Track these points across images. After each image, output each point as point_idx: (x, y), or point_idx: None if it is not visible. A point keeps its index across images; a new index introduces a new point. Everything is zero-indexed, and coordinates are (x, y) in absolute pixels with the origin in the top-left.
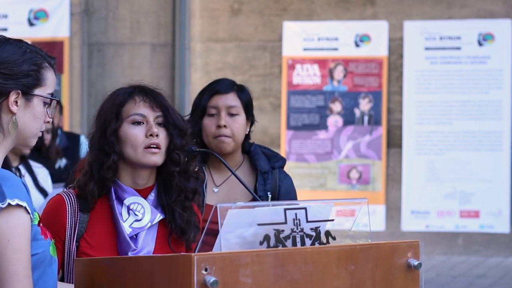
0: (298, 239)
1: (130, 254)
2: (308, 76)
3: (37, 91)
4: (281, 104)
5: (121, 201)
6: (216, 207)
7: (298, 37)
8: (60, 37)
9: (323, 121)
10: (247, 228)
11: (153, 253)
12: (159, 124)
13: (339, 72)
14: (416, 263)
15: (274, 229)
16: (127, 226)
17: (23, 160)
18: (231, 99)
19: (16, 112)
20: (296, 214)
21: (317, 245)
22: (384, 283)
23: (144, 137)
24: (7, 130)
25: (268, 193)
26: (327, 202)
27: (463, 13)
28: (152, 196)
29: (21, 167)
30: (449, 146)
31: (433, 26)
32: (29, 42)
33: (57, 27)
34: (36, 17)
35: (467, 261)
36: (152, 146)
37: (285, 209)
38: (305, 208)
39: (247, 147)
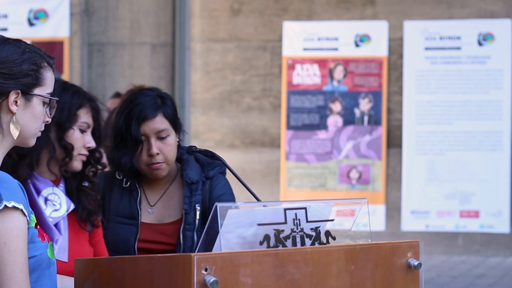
0: (298, 239)
1: (56, 241)
2: (308, 76)
3: (36, 91)
4: (281, 104)
5: (38, 192)
6: (216, 207)
7: (298, 37)
8: (60, 37)
9: (323, 121)
10: (247, 228)
11: (68, 238)
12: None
13: (339, 72)
14: (416, 263)
15: (274, 229)
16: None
17: None
18: (159, 122)
19: (16, 112)
20: (296, 214)
21: (317, 245)
22: (384, 283)
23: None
24: (7, 130)
25: (197, 205)
26: (327, 202)
27: (463, 13)
28: (62, 184)
29: None
30: (449, 146)
31: (433, 26)
32: (29, 42)
33: (57, 27)
34: (36, 17)
35: (467, 261)
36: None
37: (285, 209)
38: (305, 208)
39: (179, 156)
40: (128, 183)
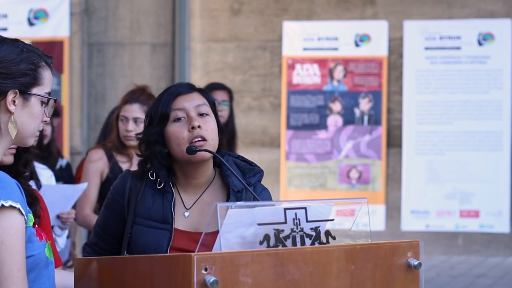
0: (298, 239)
1: None
2: (308, 76)
3: (34, 90)
4: (281, 104)
5: None
6: (216, 207)
7: (298, 37)
8: (60, 37)
9: (323, 121)
10: (247, 228)
11: None
12: None
13: (339, 72)
14: (416, 263)
15: (274, 229)
16: None
17: None
18: (197, 98)
19: (14, 112)
20: (296, 214)
21: (317, 245)
22: (384, 283)
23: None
24: (5, 130)
25: None
26: (327, 202)
27: (463, 13)
28: None
29: None
30: (449, 146)
31: (433, 26)
32: (29, 42)
33: (57, 27)
34: (36, 17)
35: (467, 261)
36: None
37: (285, 209)
38: (305, 208)
39: (218, 159)
40: (162, 184)
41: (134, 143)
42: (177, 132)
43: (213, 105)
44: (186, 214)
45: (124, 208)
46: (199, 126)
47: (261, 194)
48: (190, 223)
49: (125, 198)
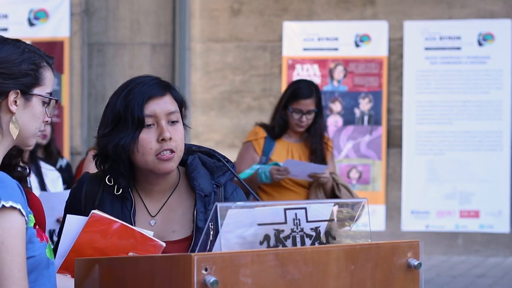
0: (298, 239)
1: None
2: (308, 76)
3: (36, 91)
4: None
5: None
6: (216, 207)
7: (298, 37)
8: (60, 37)
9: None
10: (247, 228)
11: None
12: None
13: (339, 72)
14: (416, 263)
15: (274, 229)
16: None
17: (33, 160)
18: (169, 103)
19: (16, 112)
20: (296, 214)
21: (317, 245)
22: (384, 283)
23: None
24: (7, 130)
25: (211, 224)
26: (327, 202)
27: (463, 13)
28: None
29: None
30: (449, 146)
31: (433, 26)
32: (29, 42)
33: (57, 27)
34: (36, 17)
35: (467, 261)
36: None
37: (285, 209)
38: (305, 208)
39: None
40: (121, 190)
41: None
42: (145, 141)
43: (182, 106)
44: (152, 222)
45: (82, 214)
46: (170, 138)
47: (232, 196)
48: (157, 232)
49: (82, 204)
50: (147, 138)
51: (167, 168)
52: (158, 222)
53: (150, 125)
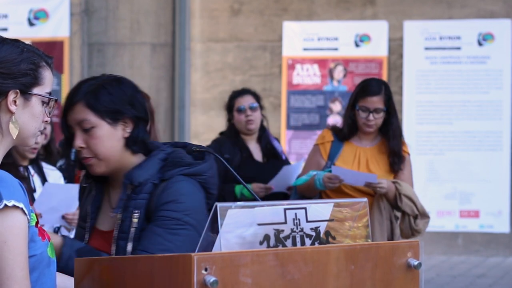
0: (298, 239)
1: None
2: (308, 76)
3: (35, 90)
4: (281, 104)
5: None
6: (216, 207)
7: (298, 37)
8: (60, 37)
9: (323, 121)
10: (247, 228)
11: None
12: None
13: (339, 72)
14: (416, 263)
15: (274, 229)
16: None
17: (35, 160)
18: (77, 112)
19: (15, 112)
20: (296, 214)
21: (317, 245)
22: (384, 283)
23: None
24: (6, 130)
25: (135, 211)
26: (327, 202)
27: (463, 13)
28: None
29: (30, 167)
30: (449, 146)
31: (433, 26)
32: (29, 42)
33: (57, 27)
34: (36, 17)
35: (467, 261)
36: None
37: (285, 209)
38: (305, 208)
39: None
40: (87, 182)
41: None
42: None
43: (101, 110)
44: (112, 214)
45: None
46: (81, 147)
47: (167, 191)
48: (104, 222)
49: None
50: (76, 145)
51: (92, 172)
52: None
53: (73, 134)
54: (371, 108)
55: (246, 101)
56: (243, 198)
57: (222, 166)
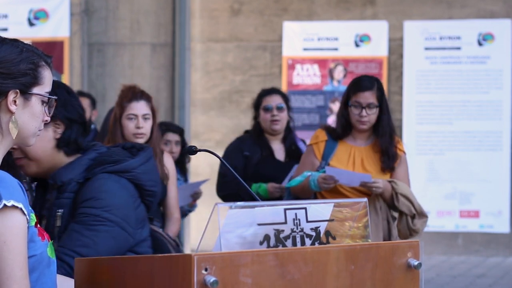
0: (298, 239)
1: None
2: (308, 76)
3: (35, 90)
4: None
5: None
6: (216, 207)
7: (298, 37)
8: (60, 37)
9: (323, 121)
10: (247, 228)
11: None
12: None
13: (339, 72)
14: (416, 263)
15: (274, 229)
16: None
17: None
18: None
19: (15, 112)
20: (296, 214)
21: (317, 245)
22: (384, 283)
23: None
24: (6, 130)
25: (59, 210)
26: (327, 202)
27: (463, 13)
28: None
29: None
30: (449, 146)
31: (433, 26)
32: (30, 42)
33: (57, 27)
34: (36, 17)
35: (467, 261)
36: None
37: (285, 209)
38: (305, 208)
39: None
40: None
41: (142, 140)
42: None
43: None
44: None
45: None
46: (13, 148)
47: (88, 188)
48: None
49: None
50: None
51: (25, 172)
52: None
53: None
54: (363, 104)
55: (274, 101)
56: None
57: (241, 164)
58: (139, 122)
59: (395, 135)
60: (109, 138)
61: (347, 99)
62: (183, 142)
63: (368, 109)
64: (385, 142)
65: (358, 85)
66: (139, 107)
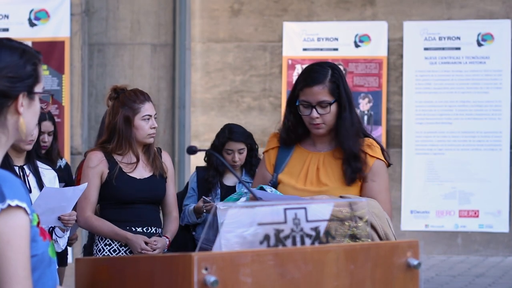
0: (298, 239)
1: None
2: None
3: (36, 89)
4: (281, 104)
5: None
6: (216, 207)
7: (298, 37)
8: (60, 37)
9: None
10: (247, 227)
11: None
12: None
13: None
14: (415, 262)
15: (274, 229)
16: None
17: (30, 160)
18: None
19: (23, 113)
20: (296, 213)
21: (317, 244)
22: (384, 283)
23: None
24: (12, 131)
25: None
26: (327, 202)
27: (462, 13)
28: None
29: (26, 167)
30: (449, 146)
31: (433, 27)
32: (30, 43)
33: (57, 27)
34: (37, 17)
35: (466, 261)
36: None
37: (285, 209)
38: (305, 208)
39: None
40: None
41: (153, 140)
42: None
43: None
44: None
45: None
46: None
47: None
48: None
49: None
50: None
51: None
52: None
53: None
54: (313, 102)
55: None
56: None
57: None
58: (153, 122)
59: (367, 137)
60: (119, 140)
61: (295, 96)
62: (250, 146)
63: (320, 108)
64: (351, 146)
65: (306, 79)
66: (151, 108)
